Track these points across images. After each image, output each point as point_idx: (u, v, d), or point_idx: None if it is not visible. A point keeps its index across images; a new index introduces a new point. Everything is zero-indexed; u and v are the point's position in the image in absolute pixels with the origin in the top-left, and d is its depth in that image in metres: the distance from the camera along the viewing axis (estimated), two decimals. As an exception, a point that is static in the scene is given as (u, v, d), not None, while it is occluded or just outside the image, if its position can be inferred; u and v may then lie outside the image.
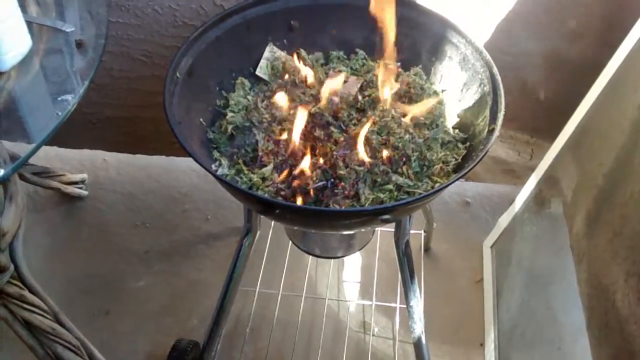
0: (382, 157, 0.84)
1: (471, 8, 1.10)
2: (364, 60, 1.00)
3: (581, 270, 0.93)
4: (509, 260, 1.23)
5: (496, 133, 0.79)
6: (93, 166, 1.53)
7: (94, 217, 1.43)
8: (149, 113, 1.38)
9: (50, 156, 1.53)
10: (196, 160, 0.76)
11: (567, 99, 1.10)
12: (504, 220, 1.28)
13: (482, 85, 0.88)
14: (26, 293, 0.97)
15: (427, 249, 1.36)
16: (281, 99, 0.91)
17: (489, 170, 1.45)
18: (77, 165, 1.53)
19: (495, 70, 0.86)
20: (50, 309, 1.00)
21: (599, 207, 0.92)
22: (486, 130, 0.83)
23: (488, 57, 0.88)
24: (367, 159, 0.83)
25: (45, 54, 0.84)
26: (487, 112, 0.85)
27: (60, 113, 0.74)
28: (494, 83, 0.85)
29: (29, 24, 0.84)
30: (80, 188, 1.45)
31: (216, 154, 0.90)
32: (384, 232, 1.30)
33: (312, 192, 0.82)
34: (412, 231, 1.31)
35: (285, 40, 1.01)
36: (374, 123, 0.87)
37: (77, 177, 1.45)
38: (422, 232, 1.33)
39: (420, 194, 0.81)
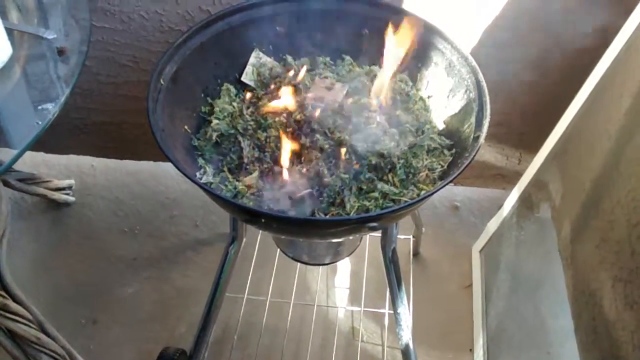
0: (367, 164, 0.84)
1: (457, 14, 1.09)
2: (350, 66, 1.00)
3: (569, 275, 0.93)
4: (497, 265, 1.23)
5: (481, 140, 0.79)
6: (80, 172, 1.52)
7: (81, 224, 1.42)
8: (137, 118, 1.37)
9: (36, 162, 1.52)
10: (178, 169, 0.75)
11: (555, 103, 1.10)
12: (493, 224, 1.28)
13: (468, 92, 0.88)
14: (10, 302, 0.96)
15: (416, 254, 1.36)
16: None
17: (478, 174, 1.45)
18: (64, 171, 1.52)
19: (480, 76, 0.86)
20: (35, 318, 0.99)
21: (586, 212, 0.92)
22: (472, 136, 0.83)
23: (474, 63, 0.87)
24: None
25: (27, 61, 0.83)
26: (473, 119, 0.84)
27: (40, 122, 0.73)
28: (480, 90, 0.85)
29: (10, 30, 0.83)
30: (67, 194, 1.44)
31: (201, 161, 0.89)
32: (372, 238, 1.29)
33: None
34: (401, 236, 1.31)
35: (271, 46, 1.01)
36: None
37: (64, 183, 1.44)
38: (411, 237, 1.33)
39: (406, 201, 0.81)
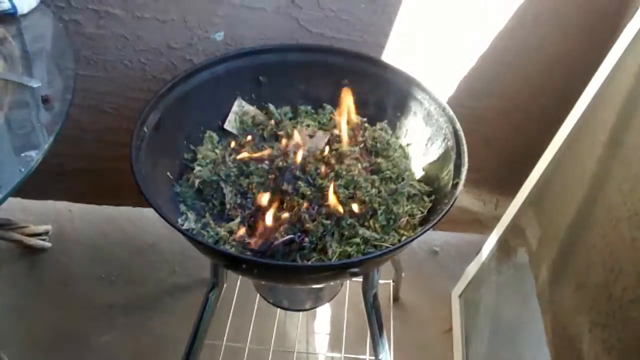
0: (349, 210, 0.85)
1: (434, 64, 1.13)
2: (331, 115, 1.02)
3: (547, 319, 0.93)
4: (477, 310, 1.23)
5: (460, 187, 0.81)
6: (58, 217, 1.50)
7: (57, 270, 1.39)
8: (117, 164, 1.35)
9: (13, 207, 1.50)
10: (161, 216, 0.76)
11: (530, 150, 1.13)
12: (472, 269, 1.29)
13: (446, 140, 0.90)
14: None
15: (396, 299, 1.36)
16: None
17: (456, 219, 1.46)
18: (41, 216, 1.50)
19: (458, 126, 0.88)
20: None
21: (563, 257, 0.93)
22: (450, 183, 0.85)
23: (451, 113, 0.90)
24: (339, 209, 0.84)
25: (10, 108, 0.83)
26: (451, 166, 0.86)
27: (23, 169, 0.73)
28: (457, 138, 0.87)
29: (-5, 79, 0.84)
30: (44, 240, 1.42)
31: (183, 208, 0.90)
32: (353, 283, 1.29)
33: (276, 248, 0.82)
34: (381, 281, 1.31)
35: (253, 95, 1.03)
36: (338, 176, 0.88)
37: (41, 228, 1.42)
38: (391, 281, 1.33)
39: (387, 247, 0.82)
